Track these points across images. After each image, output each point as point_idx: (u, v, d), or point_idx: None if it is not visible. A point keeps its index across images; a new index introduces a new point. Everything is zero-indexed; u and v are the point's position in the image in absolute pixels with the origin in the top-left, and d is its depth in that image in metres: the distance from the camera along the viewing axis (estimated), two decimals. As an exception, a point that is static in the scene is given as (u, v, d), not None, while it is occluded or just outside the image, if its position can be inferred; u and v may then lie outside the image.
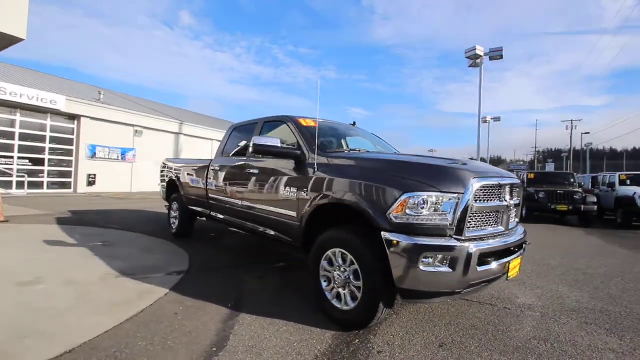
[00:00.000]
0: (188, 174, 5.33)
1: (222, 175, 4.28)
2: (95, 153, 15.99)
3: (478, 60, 14.91)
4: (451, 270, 2.15)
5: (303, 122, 3.48)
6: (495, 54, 15.01)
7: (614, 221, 10.17)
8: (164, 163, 6.51)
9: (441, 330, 2.58)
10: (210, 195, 4.56)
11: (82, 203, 10.64)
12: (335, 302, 2.61)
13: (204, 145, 22.31)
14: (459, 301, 3.14)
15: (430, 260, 2.14)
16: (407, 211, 2.21)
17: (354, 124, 4.34)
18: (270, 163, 3.47)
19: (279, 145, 3.11)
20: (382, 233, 2.25)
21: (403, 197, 2.22)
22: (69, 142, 15.40)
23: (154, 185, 19.02)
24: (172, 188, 5.95)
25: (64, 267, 3.74)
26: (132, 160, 17.76)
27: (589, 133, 44.44)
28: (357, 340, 2.36)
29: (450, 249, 2.14)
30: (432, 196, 2.20)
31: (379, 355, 2.18)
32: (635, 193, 9.07)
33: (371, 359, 2.13)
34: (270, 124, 3.90)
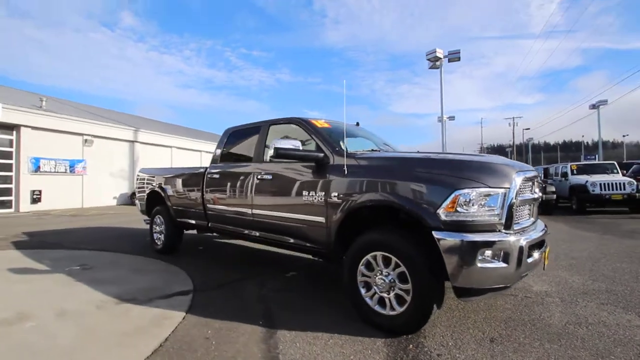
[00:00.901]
0: (176, 184, 4.93)
1: (224, 182, 4.00)
2: (39, 166, 14.32)
3: (438, 63, 15.76)
4: (506, 265, 2.16)
5: (317, 124, 3.36)
6: (454, 56, 15.98)
7: (569, 208, 11.22)
8: (140, 173, 5.97)
9: (483, 325, 2.60)
10: (208, 205, 4.23)
11: (33, 223, 9.44)
12: (378, 308, 2.53)
13: (163, 153, 21.04)
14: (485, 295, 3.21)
15: (486, 256, 2.14)
16: (458, 208, 2.20)
17: (357, 124, 4.29)
18: (286, 167, 3.29)
19: (301, 148, 2.97)
20: (434, 232, 2.22)
21: (454, 195, 2.20)
22: (8, 155, 13.64)
23: (108, 198, 17.53)
24: (154, 200, 5.47)
25: (48, 298, 3.24)
26: (82, 173, 16.17)
27: (529, 129, 48.86)
28: (411, 345, 2.29)
29: (504, 243, 2.16)
30: (481, 192, 2.21)
31: (439, 358, 2.13)
32: (587, 181, 10.10)
33: (435, 363, 2.07)
34: (277, 126, 3.71)
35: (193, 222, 4.63)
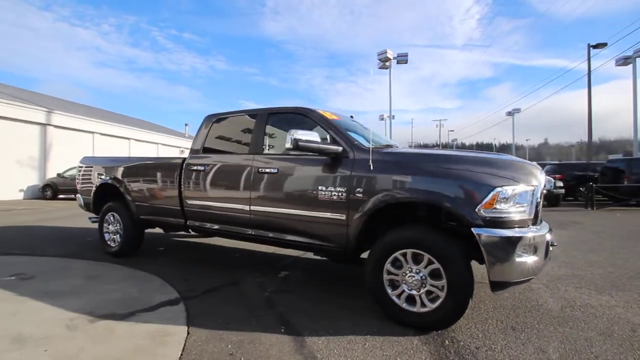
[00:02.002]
0: (140, 176, 4.26)
1: (210, 176, 3.55)
2: None
3: (387, 63, 16.42)
4: (537, 257, 2.29)
5: (328, 115, 3.17)
6: (402, 59, 16.81)
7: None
8: (84, 163, 5.05)
9: (498, 315, 2.73)
10: (187, 201, 3.73)
11: None
12: (406, 306, 2.48)
13: (83, 139, 18.35)
14: (484, 286, 3.40)
15: (522, 250, 2.23)
16: (496, 205, 2.25)
17: (352, 117, 4.18)
18: (293, 160, 3.05)
19: (320, 140, 2.76)
20: (474, 229, 2.24)
21: (494, 192, 2.24)
22: None
23: (13, 191, 14.75)
24: (106, 194, 4.67)
25: (-10, 321, 2.53)
26: (-24, 160, 13.31)
27: (453, 130, 54.17)
28: (447, 341, 2.30)
29: (536, 237, 2.28)
30: (517, 189, 2.29)
31: (479, 351, 2.17)
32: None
33: (480, 356, 2.10)
34: (278, 115, 3.41)
35: (163, 219, 4.06)
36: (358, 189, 2.65)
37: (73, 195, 15.35)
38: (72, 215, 9.21)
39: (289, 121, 3.31)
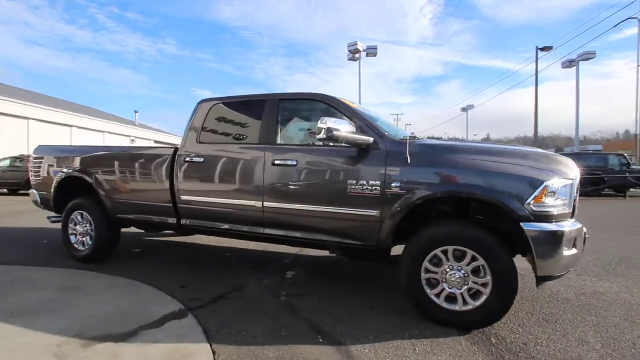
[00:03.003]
0: (117, 168, 3.68)
1: (213, 168, 3.14)
2: None
3: (357, 55, 16.38)
4: (577, 251, 2.29)
5: (350, 103, 2.92)
6: (372, 51, 16.88)
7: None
8: (40, 153, 4.28)
9: (524, 307, 2.74)
10: (183, 197, 3.28)
11: None
12: (447, 305, 2.38)
13: (17, 125, 16.03)
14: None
15: (568, 244, 2.22)
16: (544, 200, 2.20)
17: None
18: (314, 152, 2.78)
19: (354, 130, 2.53)
20: (523, 224, 2.18)
21: (543, 186, 2.20)
22: None
23: None
24: (71, 190, 4.01)
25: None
26: None
27: (410, 125, 56.31)
28: (493, 339, 2.24)
29: (577, 231, 2.28)
30: (562, 183, 2.26)
31: (528, 347, 2.14)
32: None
33: (532, 351, 2.06)
34: (291, 102, 3.09)
35: (148, 218, 3.56)
36: (395, 183, 2.47)
37: (6, 190, 13.40)
38: (14, 213, 7.99)
39: (304, 109, 3.02)
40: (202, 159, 3.19)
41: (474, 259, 2.30)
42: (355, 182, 2.58)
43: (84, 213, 3.87)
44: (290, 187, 2.83)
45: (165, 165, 3.39)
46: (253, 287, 3.16)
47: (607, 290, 3.10)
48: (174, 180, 3.33)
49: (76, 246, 3.94)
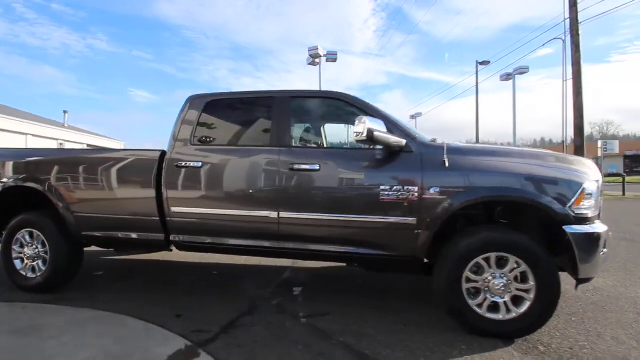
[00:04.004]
0: (88, 175, 3.03)
1: (215, 175, 2.71)
2: None
3: (317, 60, 16.36)
4: (607, 250, 2.34)
5: (373, 104, 2.71)
6: (331, 57, 17.02)
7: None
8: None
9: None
10: (174, 209, 2.78)
11: None
12: (490, 315, 2.27)
13: None
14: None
15: (603, 245, 2.24)
16: (583, 202, 2.21)
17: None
18: (341, 156, 2.54)
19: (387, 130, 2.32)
20: (566, 227, 2.16)
21: (582, 188, 2.21)
22: None
23: None
24: (11, 204, 3.24)
25: None
26: None
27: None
28: (541, 347, 2.17)
29: (608, 231, 2.32)
30: (595, 185, 2.29)
31: (574, 351, 2.11)
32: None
33: (581, 355, 2.02)
34: (304, 101, 2.78)
35: (123, 235, 2.98)
36: (434, 188, 2.31)
37: None
38: None
39: (319, 108, 2.75)
40: (200, 164, 2.74)
41: (517, 265, 2.23)
42: (388, 187, 2.37)
43: (34, 231, 3.13)
44: (312, 194, 2.54)
45: (151, 172, 2.85)
46: (263, 309, 2.77)
47: (604, 286, 3.28)
48: (162, 188, 2.81)
49: (23, 273, 3.16)
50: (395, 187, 2.37)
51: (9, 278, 3.20)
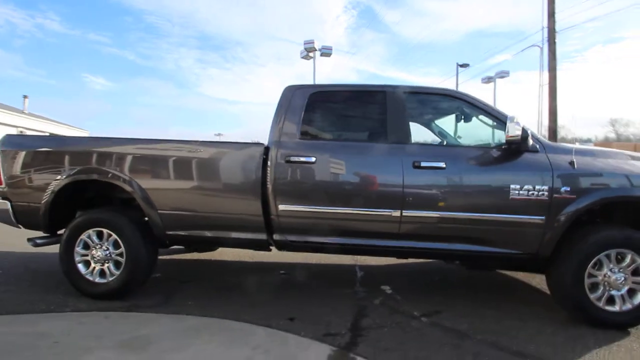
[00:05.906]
0: (176, 170, 2.75)
1: (330, 171, 2.59)
2: None
3: (311, 54, 16.15)
4: None
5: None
6: (326, 52, 16.88)
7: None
8: (15, 146, 2.94)
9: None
10: (282, 207, 2.61)
11: None
12: (608, 307, 2.43)
13: None
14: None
15: None
16: None
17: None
18: (468, 154, 2.54)
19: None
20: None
21: None
22: None
23: None
24: (77, 200, 2.88)
25: None
26: None
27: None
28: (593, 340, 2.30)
29: None
30: None
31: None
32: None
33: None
34: (416, 96, 2.75)
35: (215, 235, 2.77)
36: (565, 188, 2.41)
37: None
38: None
39: (434, 105, 2.74)
40: (314, 159, 2.60)
41: (632, 261, 2.40)
42: (519, 186, 2.43)
43: (104, 231, 2.79)
44: (438, 192, 2.52)
45: (251, 167, 2.66)
46: (374, 309, 2.72)
47: None
48: (267, 185, 2.64)
49: (89, 278, 2.81)
50: (526, 186, 2.44)
51: (72, 284, 2.82)
